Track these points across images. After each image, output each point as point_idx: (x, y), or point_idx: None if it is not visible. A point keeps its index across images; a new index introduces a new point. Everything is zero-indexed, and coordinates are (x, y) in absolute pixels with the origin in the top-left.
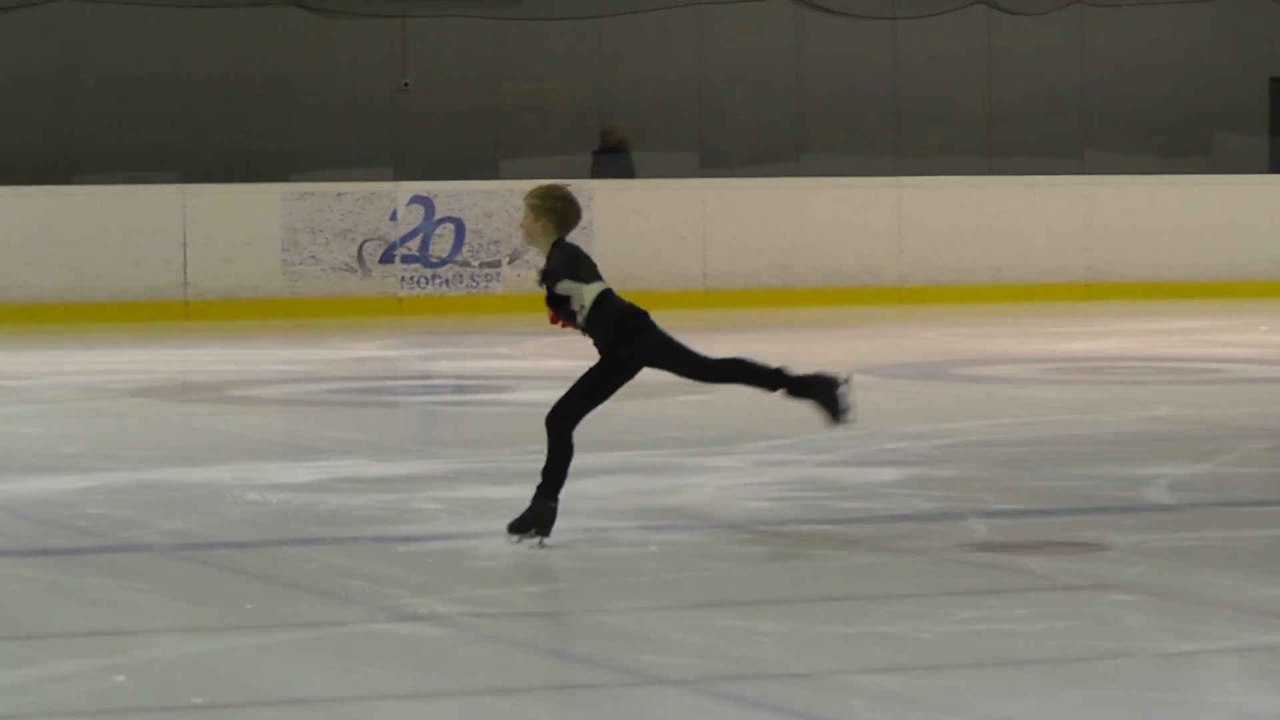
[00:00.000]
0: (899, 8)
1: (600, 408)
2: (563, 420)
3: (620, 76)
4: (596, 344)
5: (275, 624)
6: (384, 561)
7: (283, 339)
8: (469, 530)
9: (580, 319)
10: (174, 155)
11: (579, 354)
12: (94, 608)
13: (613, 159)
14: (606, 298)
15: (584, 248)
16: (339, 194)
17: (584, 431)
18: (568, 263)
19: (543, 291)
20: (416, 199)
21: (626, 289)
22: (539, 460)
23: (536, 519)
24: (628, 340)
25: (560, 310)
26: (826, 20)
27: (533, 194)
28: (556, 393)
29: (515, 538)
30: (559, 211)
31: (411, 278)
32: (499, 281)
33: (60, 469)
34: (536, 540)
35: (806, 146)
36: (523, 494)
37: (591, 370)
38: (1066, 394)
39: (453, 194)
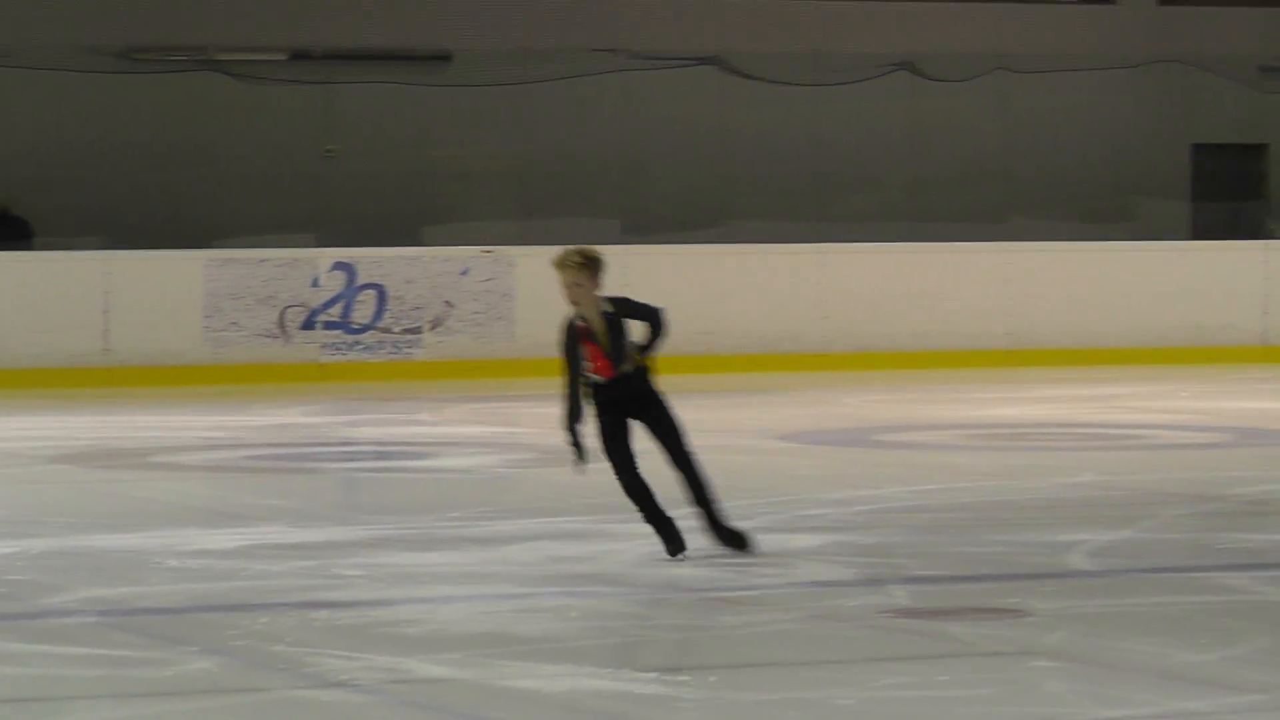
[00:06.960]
0: (821, 75)
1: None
2: (630, 476)
3: (545, 142)
4: (617, 391)
5: (197, 690)
6: (305, 628)
7: (205, 405)
8: (390, 597)
9: (627, 366)
10: (97, 221)
11: (502, 420)
12: (12, 673)
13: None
14: None
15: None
16: (261, 260)
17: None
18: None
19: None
20: (338, 265)
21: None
22: (461, 526)
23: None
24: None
25: (616, 355)
26: (750, 87)
27: (573, 255)
28: (479, 458)
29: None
30: (601, 264)
31: (333, 344)
32: (420, 348)
33: None
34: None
35: (730, 213)
36: (444, 560)
37: (609, 426)
38: (988, 460)
39: (375, 260)
